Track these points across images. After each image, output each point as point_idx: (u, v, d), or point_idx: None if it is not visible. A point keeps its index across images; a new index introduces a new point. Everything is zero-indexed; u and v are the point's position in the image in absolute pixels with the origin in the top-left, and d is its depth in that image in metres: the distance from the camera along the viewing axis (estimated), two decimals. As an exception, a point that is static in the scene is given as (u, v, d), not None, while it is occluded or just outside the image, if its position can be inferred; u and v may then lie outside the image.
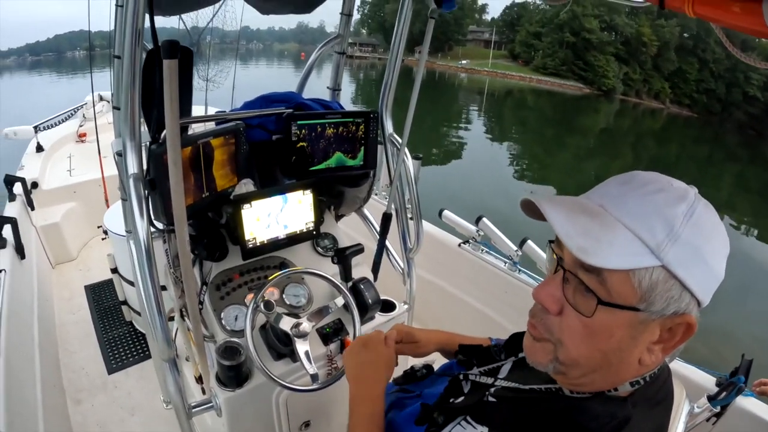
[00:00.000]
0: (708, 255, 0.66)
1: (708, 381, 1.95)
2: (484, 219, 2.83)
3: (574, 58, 63.15)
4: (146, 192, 1.35)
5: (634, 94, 62.19)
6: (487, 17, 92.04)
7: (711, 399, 1.82)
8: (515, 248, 2.71)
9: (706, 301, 0.68)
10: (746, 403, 1.88)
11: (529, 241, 2.64)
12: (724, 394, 1.82)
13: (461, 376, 1.05)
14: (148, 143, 1.40)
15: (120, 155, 1.36)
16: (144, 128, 1.38)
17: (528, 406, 0.83)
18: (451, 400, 0.99)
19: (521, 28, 75.70)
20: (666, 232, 0.65)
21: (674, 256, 0.64)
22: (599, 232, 0.68)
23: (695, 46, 58.66)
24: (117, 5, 1.34)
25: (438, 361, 1.32)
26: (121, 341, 3.08)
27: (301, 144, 1.84)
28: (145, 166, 1.37)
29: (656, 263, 0.65)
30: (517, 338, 1.08)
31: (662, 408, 0.80)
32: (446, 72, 73.99)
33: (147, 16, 1.19)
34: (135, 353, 2.98)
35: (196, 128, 1.73)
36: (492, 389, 0.92)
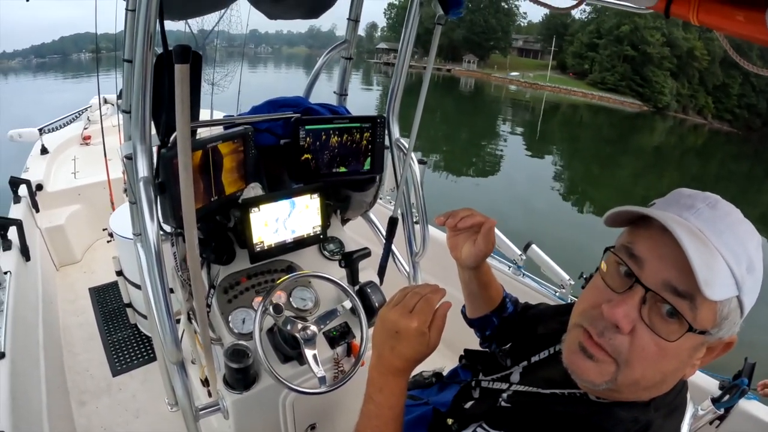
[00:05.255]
0: (760, 283, 0.70)
1: (711, 384, 1.95)
2: (534, 246, 2.74)
3: (632, 73, 59.77)
4: (155, 195, 1.36)
5: (681, 110, 59.75)
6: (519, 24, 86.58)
7: (715, 401, 1.83)
8: (519, 252, 2.70)
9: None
10: (749, 405, 1.88)
11: (534, 246, 2.64)
12: (727, 396, 1.82)
13: (473, 383, 1.05)
14: (157, 147, 1.40)
15: (129, 158, 1.37)
16: (152, 132, 1.39)
17: (546, 410, 0.83)
18: (461, 405, 1.00)
19: (570, 37, 71.63)
20: (747, 265, 0.67)
21: (748, 287, 0.67)
22: (711, 263, 0.66)
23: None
24: (127, 9, 1.35)
25: (447, 368, 1.32)
26: (125, 344, 3.09)
27: (305, 156, 1.85)
28: (154, 170, 1.38)
29: (736, 294, 0.67)
30: (521, 343, 1.09)
31: (678, 414, 0.81)
32: (500, 85, 68.27)
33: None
34: (139, 356, 2.98)
35: (203, 132, 1.74)
36: (504, 394, 0.92)
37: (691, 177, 25.96)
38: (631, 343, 0.70)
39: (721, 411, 1.83)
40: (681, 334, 0.67)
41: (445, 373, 1.37)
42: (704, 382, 1.97)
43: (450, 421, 0.94)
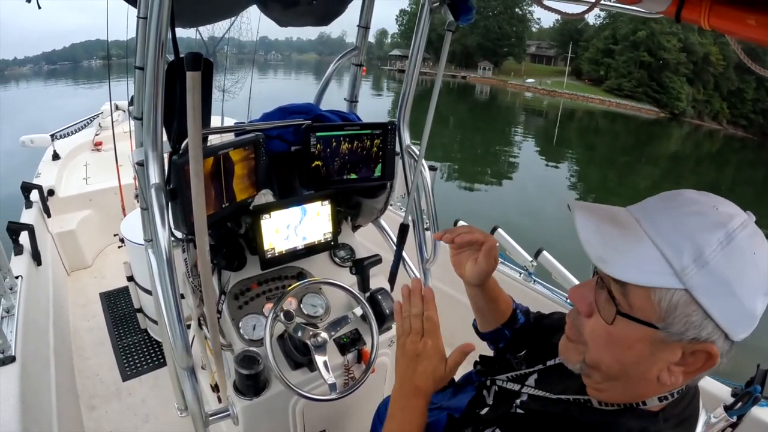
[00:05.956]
0: (739, 288, 0.64)
1: (724, 391, 1.93)
2: (545, 252, 2.72)
3: (648, 80, 58.00)
4: (166, 202, 1.36)
5: (697, 116, 57.71)
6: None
7: (727, 409, 1.81)
8: (530, 259, 2.69)
9: (735, 336, 0.66)
10: (762, 413, 1.86)
11: (545, 252, 2.63)
12: (740, 404, 1.80)
13: (488, 382, 1.05)
14: (168, 153, 1.41)
15: (141, 165, 1.37)
16: (164, 138, 1.40)
17: (557, 418, 0.83)
18: (476, 411, 1.00)
19: (585, 43, 68.78)
20: (694, 257, 0.64)
21: (699, 282, 0.63)
22: (623, 245, 0.69)
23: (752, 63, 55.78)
24: (139, 17, 1.36)
25: (460, 373, 1.31)
26: (135, 349, 3.10)
27: (316, 163, 1.86)
28: (166, 176, 1.39)
29: (679, 286, 0.64)
30: (536, 350, 1.09)
31: (688, 424, 0.79)
32: (516, 92, 66.10)
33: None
34: (149, 361, 2.99)
35: (214, 139, 1.74)
36: (518, 400, 0.92)
37: (707, 184, 25.42)
38: (588, 326, 0.76)
39: (734, 419, 1.81)
40: (614, 316, 0.70)
41: (457, 379, 1.36)
42: (716, 390, 1.95)
43: (465, 427, 0.94)
